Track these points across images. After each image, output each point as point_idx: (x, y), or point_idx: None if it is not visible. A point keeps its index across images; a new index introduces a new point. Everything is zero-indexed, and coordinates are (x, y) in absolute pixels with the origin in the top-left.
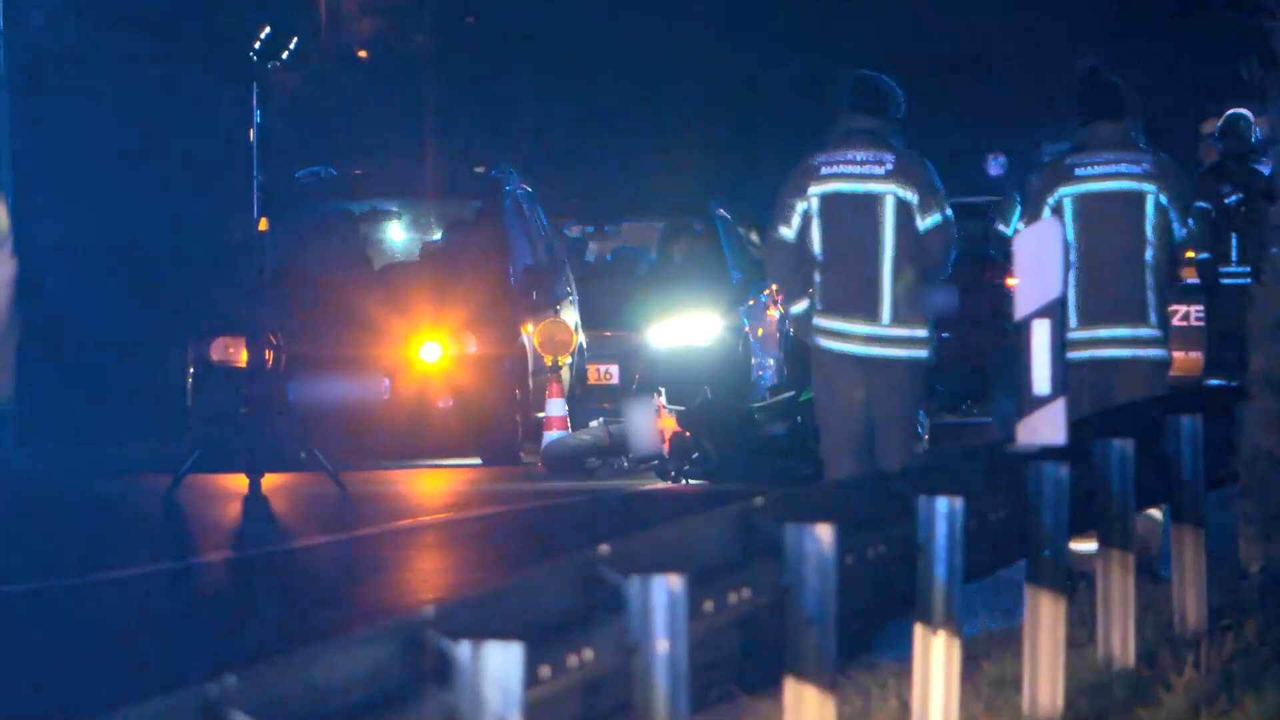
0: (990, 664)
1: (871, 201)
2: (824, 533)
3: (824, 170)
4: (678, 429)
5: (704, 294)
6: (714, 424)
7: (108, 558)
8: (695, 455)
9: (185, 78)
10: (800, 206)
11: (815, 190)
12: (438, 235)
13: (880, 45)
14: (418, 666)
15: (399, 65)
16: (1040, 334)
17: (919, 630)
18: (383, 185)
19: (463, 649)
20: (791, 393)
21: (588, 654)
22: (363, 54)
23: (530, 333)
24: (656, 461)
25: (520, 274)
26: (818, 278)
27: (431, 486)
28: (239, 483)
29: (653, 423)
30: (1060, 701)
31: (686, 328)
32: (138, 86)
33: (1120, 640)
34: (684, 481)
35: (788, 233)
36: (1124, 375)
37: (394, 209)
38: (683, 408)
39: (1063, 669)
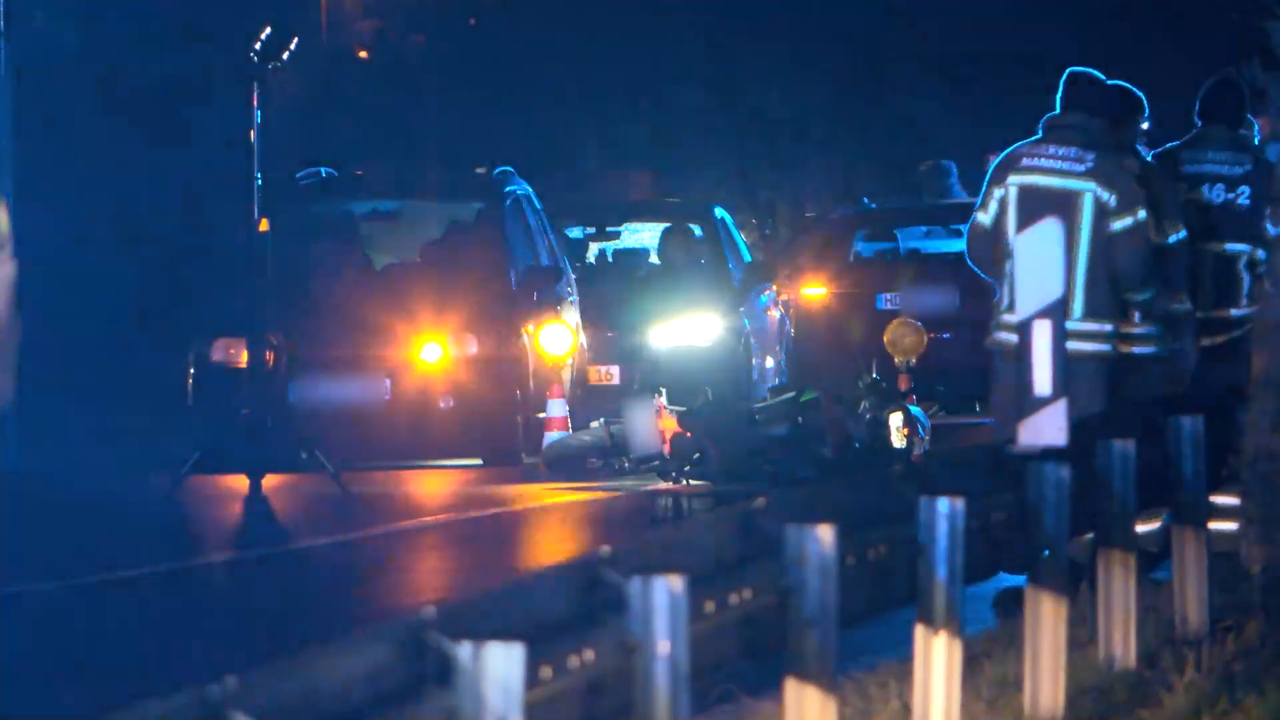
0: (992, 664)
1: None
2: (825, 534)
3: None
4: (678, 430)
5: (705, 295)
6: (715, 425)
7: (109, 558)
8: (696, 456)
9: (186, 78)
10: (998, 194)
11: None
12: (438, 236)
13: (881, 49)
14: (419, 667)
15: (399, 65)
16: (1041, 334)
17: (920, 631)
18: (383, 185)
19: (464, 650)
20: (792, 393)
21: (589, 655)
22: (363, 54)
23: (531, 333)
24: (657, 462)
25: (521, 275)
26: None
27: (432, 487)
28: (240, 483)
29: (653, 423)
30: (1061, 702)
31: (687, 328)
32: (138, 87)
33: (1122, 641)
34: (685, 482)
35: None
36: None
37: (394, 209)
38: (684, 408)
39: (1064, 670)
